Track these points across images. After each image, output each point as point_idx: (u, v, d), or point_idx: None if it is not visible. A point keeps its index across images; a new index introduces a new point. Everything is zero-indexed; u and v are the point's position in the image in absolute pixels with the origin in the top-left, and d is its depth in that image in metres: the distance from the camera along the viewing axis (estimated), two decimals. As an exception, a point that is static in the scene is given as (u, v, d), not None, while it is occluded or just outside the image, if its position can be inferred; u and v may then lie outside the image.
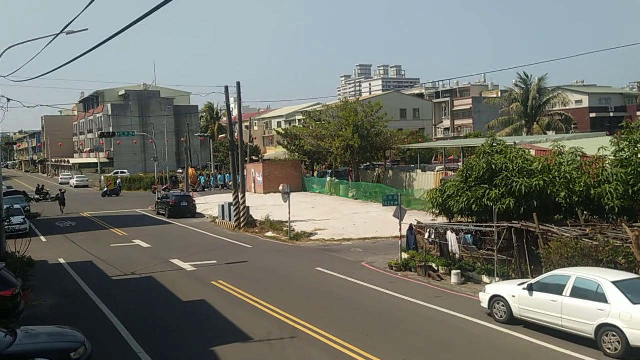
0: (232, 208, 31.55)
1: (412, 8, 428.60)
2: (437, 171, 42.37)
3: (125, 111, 76.83)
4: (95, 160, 73.63)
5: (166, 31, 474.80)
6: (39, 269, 19.88)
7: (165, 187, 51.15)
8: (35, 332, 11.04)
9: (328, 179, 47.65)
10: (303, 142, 48.97)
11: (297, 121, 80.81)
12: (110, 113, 77.23)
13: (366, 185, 42.25)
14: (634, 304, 11.13)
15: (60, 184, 73.49)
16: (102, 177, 64.29)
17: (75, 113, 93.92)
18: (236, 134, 35.64)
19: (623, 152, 17.25)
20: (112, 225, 32.74)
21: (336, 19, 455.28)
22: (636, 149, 17.01)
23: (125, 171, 68.86)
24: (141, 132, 69.16)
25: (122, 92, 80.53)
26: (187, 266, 20.91)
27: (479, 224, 17.91)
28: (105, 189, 54.65)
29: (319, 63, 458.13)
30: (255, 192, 48.99)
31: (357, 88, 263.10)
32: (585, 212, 17.02)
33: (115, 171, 69.41)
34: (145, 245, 26.24)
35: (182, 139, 64.80)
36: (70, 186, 68.18)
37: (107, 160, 76.47)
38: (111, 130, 67.76)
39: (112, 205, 44.81)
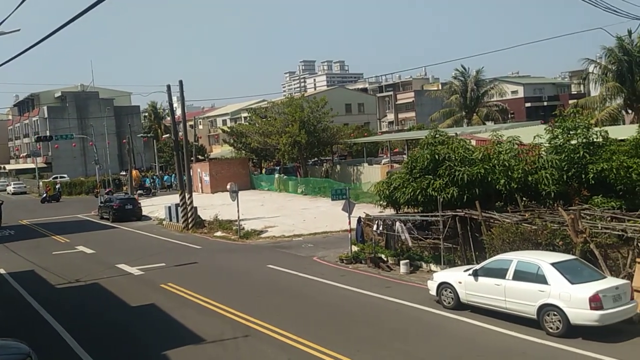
0: (179, 209, 31.03)
1: (353, 3, 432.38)
2: (383, 164, 43.03)
3: (62, 113, 74.09)
4: (33, 166, 70.71)
5: (104, 30, 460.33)
6: (-25, 281, 18.99)
7: (108, 190, 49.72)
8: (-24, 347, 10.55)
9: (276, 175, 47.55)
10: (249, 140, 48.65)
11: (242, 119, 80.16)
12: (46, 116, 74.28)
13: (315, 181, 42.43)
14: (572, 283, 11.69)
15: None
16: (41, 183, 61.83)
17: (10, 117, 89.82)
18: (180, 134, 35.07)
19: (557, 140, 18.05)
20: (53, 232, 31.56)
21: (277, 14, 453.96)
22: (569, 135, 17.84)
23: (65, 175, 66.44)
24: (80, 135, 66.86)
25: (58, 94, 77.58)
26: (134, 270, 20.44)
27: (425, 214, 18.34)
28: (44, 195, 52.58)
29: (262, 59, 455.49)
30: (202, 192, 48.32)
31: (302, 84, 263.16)
32: (524, 198, 17.70)
33: (54, 176, 66.83)
34: (89, 251, 25.46)
35: (124, 140, 63.11)
36: (8, 193, 65.24)
37: (45, 165, 73.57)
38: (48, 134, 65.04)
39: (52, 212, 43.18)
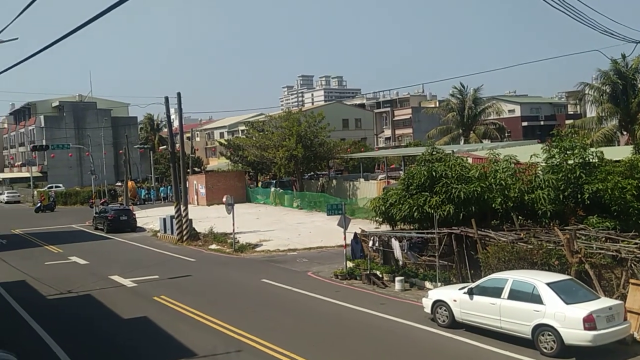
0: (174, 221, 30.89)
1: (352, 20, 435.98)
2: (380, 180, 43.05)
3: (59, 123, 73.96)
4: (28, 175, 70.42)
5: (102, 41, 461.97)
6: (-34, 290, 18.79)
7: (103, 200, 49.52)
8: (-36, 358, 10.41)
9: (272, 189, 47.48)
10: (246, 153, 48.67)
11: (239, 132, 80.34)
12: (43, 125, 74.15)
13: (310, 195, 42.38)
14: (567, 304, 11.66)
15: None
16: (35, 192, 61.53)
17: (5, 125, 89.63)
18: (177, 145, 35.04)
19: (554, 159, 18.12)
20: (47, 242, 31.33)
21: (277, 29, 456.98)
22: (566, 155, 17.91)
23: (60, 185, 66.13)
24: (77, 145, 66.71)
25: (55, 104, 77.53)
26: (127, 282, 20.28)
27: (420, 231, 18.30)
28: (39, 204, 52.31)
29: (261, 73, 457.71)
30: (198, 204, 48.19)
31: (300, 98, 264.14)
32: (520, 217, 17.71)
33: (49, 185, 66.52)
34: (82, 262, 25.26)
35: (121, 151, 62.99)
36: (1, 202, 64.89)
37: (40, 174, 73.25)
38: (44, 143, 64.91)
39: (46, 221, 42.91)
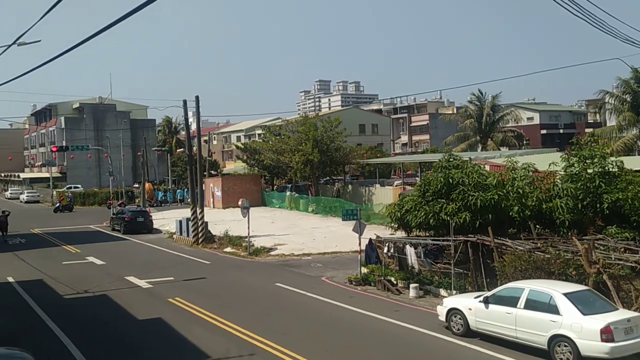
0: (190, 223, 31.08)
1: (370, 26, 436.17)
2: (396, 186, 42.90)
3: (79, 124, 74.95)
4: (47, 175, 71.41)
5: (123, 44, 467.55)
6: (-15, 288, 19.08)
7: (120, 202, 50.01)
8: (-18, 355, 10.54)
9: (288, 193, 47.57)
10: (262, 157, 48.84)
11: (256, 135, 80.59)
12: (63, 126, 75.20)
13: (326, 200, 42.38)
14: (584, 314, 11.50)
15: (8, 199, 70.89)
16: (54, 192, 62.35)
17: (27, 126, 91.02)
18: (195, 148, 35.26)
19: (573, 168, 17.90)
20: (65, 242, 31.72)
21: (295, 34, 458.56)
22: (585, 164, 17.68)
23: (79, 186, 66.98)
24: (96, 146, 67.57)
25: (76, 105, 78.60)
26: (143, 283, 20.43)
27: (436, 238, 18.19)
28: (58, 204, 53.02)
29: (278, 78, 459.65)
30: (213, 207, 48.43)
31: (317, 103, 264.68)
32: (537, 226, 17.52)
33: (68, 186, 67.42)
34: (99, 262, 25.52)
35: (139, 153, 63.59)
36: (20, 201, 65.86)
37: (59, 175, 74.24)
38: (64, 144, 65.88)
39: (64, 221, 43.46)
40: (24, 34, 15.07)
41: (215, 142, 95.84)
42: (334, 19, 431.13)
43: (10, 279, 21.66)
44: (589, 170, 17.53)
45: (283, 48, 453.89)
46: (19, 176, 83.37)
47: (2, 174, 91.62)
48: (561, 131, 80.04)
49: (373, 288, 18.84)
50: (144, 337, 14.13)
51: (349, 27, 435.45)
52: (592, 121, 79.65)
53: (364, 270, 19.95)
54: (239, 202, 28.28)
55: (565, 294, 11.97)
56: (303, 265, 23.50)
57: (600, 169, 17.46)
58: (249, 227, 26.98)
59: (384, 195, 38.93)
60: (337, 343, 13.29)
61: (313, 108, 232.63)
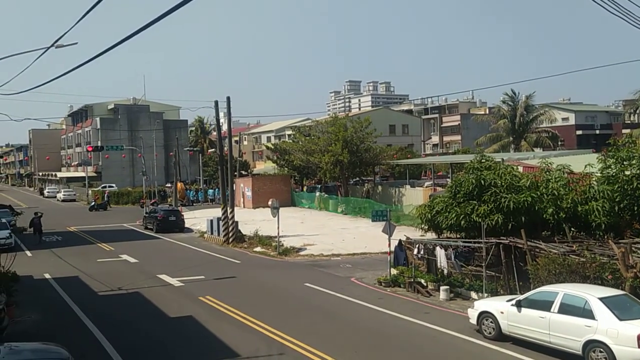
0: (221, 223, 31.38)
1: (401, 25, 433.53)
2: (426, 187, 42.50)
3: (114, 125, 76.52)
4: (83, 174, 73.12)
5: (156, 46, 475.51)
6: (23, 284, 19.60)
7: (153, 201, 50.83)
8: (19, 349, 10.82)
9: (317, 193, 47.63)
10: (292, 157, 49.01)
11: (286, 136, 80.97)
12: (99, 127, 76.91)
13: (355, 201, 42.28)
14: (621, 320, 11.19)
15: (46, 197, 72.77)
16: (90, 191, 63.78)
17: (64, 126, 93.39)
18: (226, 149, 35.62)
19: (610, 169, 17.43)
20: (99, 240, 32.42)
21: (326, 34, 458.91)
22: (622, 166, 17.20)
23: (113, 185, 68.39)
24: (130, 146, 68.87)
25: (111, 106, 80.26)
26: (174, 281, 20.73)
27: (467, 240, 17.95)
28: (93, 203, 54.19)
29: (308, 78, 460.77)
30: (244, 207, 48.82)
31: (347, 104, 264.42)
32: (572, 229, 17.12)
33: (103, 185, 68.88)
34: (132, 260, 25.99)
35: (171, 153, 64.58)
36: (58, 200, 67.55)
37: (95, 174, 75.92)
38: (99, 144, 67.36)
39: (99, 220, 44.41)
40: (61, 37, 15.40)
41: (245, 143, 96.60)
42: (366, 18, 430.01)
43: (47, 276, 22.24)
44: (627, 172, 17.03)
45: (314, 49, 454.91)
46: (56, 175, 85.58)
47: (40, 173, 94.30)
48: (597, 132, 78.18)
49: (402, 290, 18.70)
50: (175, 334, 14.31)
51: (380, 27, 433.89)
52: (629, 122, 77.52)
53: (394, 271, 19.82)
54: (269, 202, 28.43)
55: (601, 299, 11.67)
56: (332, 266, 23.49)
57: (638, 171, 16.94)
58: (278, 227, 27.10)
59: (414, 197, 38.64)
60: (366, 344, 13.24)
61: (343, 108, 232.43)
